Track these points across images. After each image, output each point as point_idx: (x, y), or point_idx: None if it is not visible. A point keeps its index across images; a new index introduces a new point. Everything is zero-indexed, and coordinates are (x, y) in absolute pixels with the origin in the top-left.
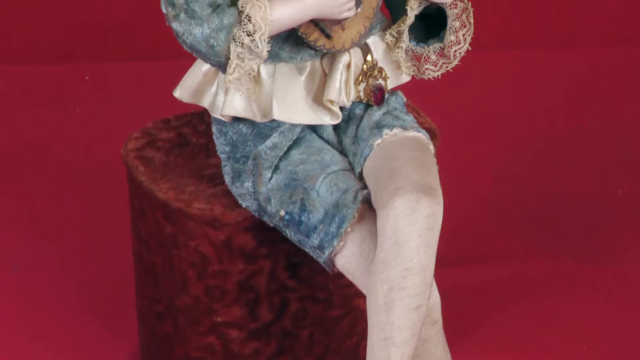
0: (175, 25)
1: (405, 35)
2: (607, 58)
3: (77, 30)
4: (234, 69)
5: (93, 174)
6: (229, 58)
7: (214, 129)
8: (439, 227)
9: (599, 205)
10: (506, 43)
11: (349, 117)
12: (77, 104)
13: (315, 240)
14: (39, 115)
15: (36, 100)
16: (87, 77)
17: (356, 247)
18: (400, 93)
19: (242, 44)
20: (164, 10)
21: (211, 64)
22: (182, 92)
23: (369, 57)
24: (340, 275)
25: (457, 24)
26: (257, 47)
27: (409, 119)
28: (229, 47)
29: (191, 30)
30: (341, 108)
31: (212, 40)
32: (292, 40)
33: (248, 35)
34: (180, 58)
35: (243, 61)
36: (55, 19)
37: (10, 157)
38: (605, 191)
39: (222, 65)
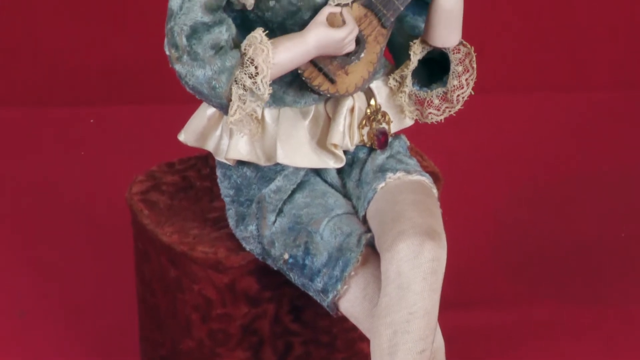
0: (178, 67)
1: (409, 80)
2: (610, 101)
3: (81, 73)
4: (235, 110)
5: (97, 217)
6: (231, 100)
7: (218, 172)
8: (443, 271)
9: (602, 248)
10: (509, 86)
11: (353, 161)
12: (82, 147)
13: (319, 283)
14: (43, 158)
15: (41, 143)
16: (92, 120)
17: (360, 290)
18: (403, 137)
19: (244, 86)
20: (167, 52)
21: (213, 106)
22: (187, 135)
23: (372, 102)
24: (344, 319)
25: (460, 68)
26: (259, 89)
27: (412, 162)
28: (230, 89)
29: (193, 72)
30: (345, 152)
31: (214, 82)
32: (296, 85)
33: (250, 77)
34: (185, 102)
35: (244, 103)
36: (60, 63)
37: (14, 200)
38: (609, 234)
39: (223, 107)
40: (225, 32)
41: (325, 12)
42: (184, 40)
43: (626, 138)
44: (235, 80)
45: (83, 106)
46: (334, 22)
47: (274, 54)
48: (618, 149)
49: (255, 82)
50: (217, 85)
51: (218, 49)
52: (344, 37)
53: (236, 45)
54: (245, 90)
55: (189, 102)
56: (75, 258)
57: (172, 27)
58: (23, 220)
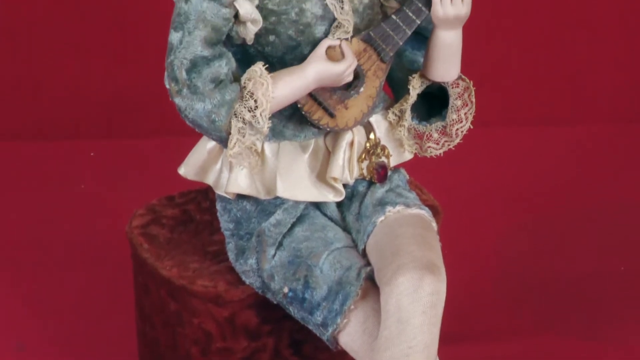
0: (178, 101)
1: (408, 114)
2: (610, 135)
3: (81, 106)
4: (235, 143)
5: (97, 250)
6: (230, 133)
7: (218, 206)
8: (442, 305)
9: (602, 282)
10: (508, 120)
11: (352, 195)
12: (82, 180)
13: (318, 317)
14: (43, 191)
15: (41, 176)
16: (92, 154)
17: (360, 324)
18: (402, 170)
19: (243, 119)
20: (167, 86)
21: (212, 139)
22: (187, 169)
23: (371, 135)
24: (343, 353)
25: (458, 102)
26: (258, 122)
27: (412, 196)
28: (230, 122)
29: (193, 106)
30: (344, 185)
31: (213, 116)
32: (296, 119)
33: (249, 111)
34: (185, 135)
35: (244, 136)
36: (60, 96)
37: (15, 233)
38: (608, 267)
39: (223, 140)
40: (225, 66)
41: (324, 44)
42: (184, 73)
43: (625, 171)
44: (235, 114)
45: (83, 139)
46: (333, 56)
47: (274, 87)
48: (617, 182)
49: (255, 116)
50: (217, 119)
51: (218, 82)
52: (343, 71)
53: (236, 78)
54: (245, 123)
55: (189, 135)
56: (74, 291)
57: (172, 60)
58: (23, 253)
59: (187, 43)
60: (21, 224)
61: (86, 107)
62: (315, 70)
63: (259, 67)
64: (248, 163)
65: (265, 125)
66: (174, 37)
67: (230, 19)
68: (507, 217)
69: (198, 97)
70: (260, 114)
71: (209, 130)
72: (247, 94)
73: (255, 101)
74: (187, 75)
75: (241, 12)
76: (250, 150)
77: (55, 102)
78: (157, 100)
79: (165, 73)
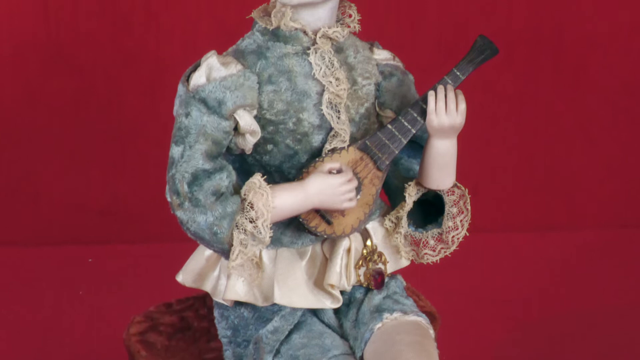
0: (179, 214)
1: (404, 221)
2: (604, 240)
3: (79, 213)
4: (237, 255)
5: (95, 357)
6: (232, 245)
7: (215, 313)
8: None
9: None
10: (503, 226)
11: (350, 301)
12: (79, 287)
13: None
14: (41, 297)
15: (39, 282)
16: (90, 260)
17: None
18: (399, 277)
19: (245, 230)
20: (168, 199)
21: (214, 251)
22: (185, 276)
23: (368, 242)
24: None
25: (454, 210)
26: (260, 233)
27: (409, 303)
28: (232, 234)
29: (195, 218)
30: (342, 292)
31: (215, 228)
32: (293, 226)
33: (251, 222)
34: (183, 241)
35: (246, 247)
36: (58, 202)
37: (12, 339)
38: None
39: (225, 252)
40: (225, 179)
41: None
42: (186, 187)
43: (620, 275)
44: (237, 225)
45: (81, 245)
46: None
47: (273, 197)
48: (613, 286)
49: (257, 226)
50: (219, 231)
51: (219, 195)
52: (341, 182)
53: (236, 190)
54: (247, 234)
55: (186, 242)
56: None
57: (174, 174)
58: (21, 357)
59: (189, 157)
60: (18, 330)
61: (84, 213)
62: (314, 181)
63: (257, 179)
64: (249, 275)
65: (267, 235)
66: (175, 151)
67: (230, 131)
68: (505, 323)
69: (200, 210)
70: (262, 224)
71: (211, 243)
72: (247, 205)
73: (256, 212)
74: (189, 189)
75: (241, 123)
76: (251, 263)
77: (53, 208)
78: (153, 206)
79: (167, 186)
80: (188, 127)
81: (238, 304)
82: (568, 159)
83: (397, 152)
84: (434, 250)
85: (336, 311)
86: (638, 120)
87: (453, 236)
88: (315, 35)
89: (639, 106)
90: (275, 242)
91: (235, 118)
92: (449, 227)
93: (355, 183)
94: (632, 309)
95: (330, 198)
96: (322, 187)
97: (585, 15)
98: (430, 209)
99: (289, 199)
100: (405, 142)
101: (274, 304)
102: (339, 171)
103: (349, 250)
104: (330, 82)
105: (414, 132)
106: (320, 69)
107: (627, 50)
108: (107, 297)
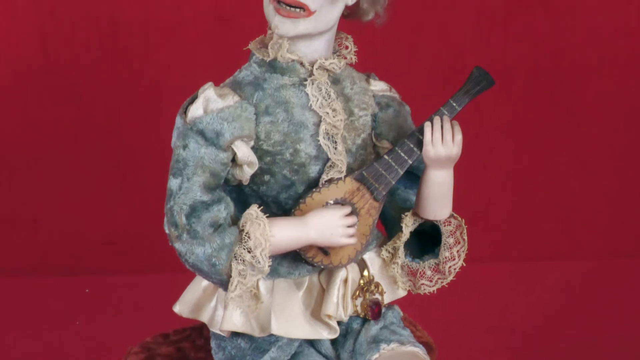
0: (177, 246)
1: (401, 252)
2: (602, 270)
3: (76, 243)
4: (236, 286)
5: None
6: (231, 276)
7: (212, 343)
8: None
9: None
10: (500, 256)
11: (347, 332)
12: (76, 317)
13: None
14: (38, 327)
15: (35, 312)
16: (87, 290)
17: None
18: (396, 307)
19: (244, 260)
20: (166, 231)
21: (213, 282)
22: (182, 307)
23: (365, 272)
24: None
25: (451, 240)
26: (259, 262)
27: (406, 333)
28: (230, 265)
29: (193, 250)
30: (339, 322)
31: (214, 259)
32: (290, 257)
33: (249, 252)
34: (180, 272)
35: (245, 278)
36: (56, 233)
37: None
38: None
39: (223, 284)
40: (223, 210)
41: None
42: (184, 219)
43: (619, 305)
44: (235, 256)
45: (78, 275)
46: None
47: (271, 227)
48: (609, 317)
49: (255, 256)
50: (217, 262)
51: (217, 226)
52: (340, 216)
53: (233, 221)
54: (245, 265)
55: (183, 272)
56: None
57: (172, 206)
58: None
59: (186, 189)
60: (17, 359)
61: (81, 243)
62: (311, 214)
63: (254, 210)
64: (247, 306)
65: (266, 264)
66: (173, 183)
67: (228, 163)
68: (502, 353)
69: (198, 242)
70: (260, 254)
71: (209, 274)
72: (245, 235)
73: (254, 242)
74: (187, 220)
75: (239, 154)
76: (249, 293)
77: (50, 238)
78: (150, 237)
79: (165, 218)
80: (186, 159)
81: (235, 334)
82: (565, 189)
83: (393, 182)
84: (430, 281)
85: (333, 342)
86: (636, 150)
87: (450, 266)
88: (312, 66)
89: (637, 136)
90: (272, 272)
91: (232, 149)
92: (445, 257)
93: (355, 219)
94: (631, 339)
95: (330, 231)
96: (321, 223)
97: (581, 45)
98: (427, 239)
99: (287, 231)
100: (401, 172)
101: (271, 335)
102: (338, 203)
103: (346, 281)
104: (327, 113)
105: (411, 162)
106: (317, 100)
107: (623, 79)
108: (104, 327)
